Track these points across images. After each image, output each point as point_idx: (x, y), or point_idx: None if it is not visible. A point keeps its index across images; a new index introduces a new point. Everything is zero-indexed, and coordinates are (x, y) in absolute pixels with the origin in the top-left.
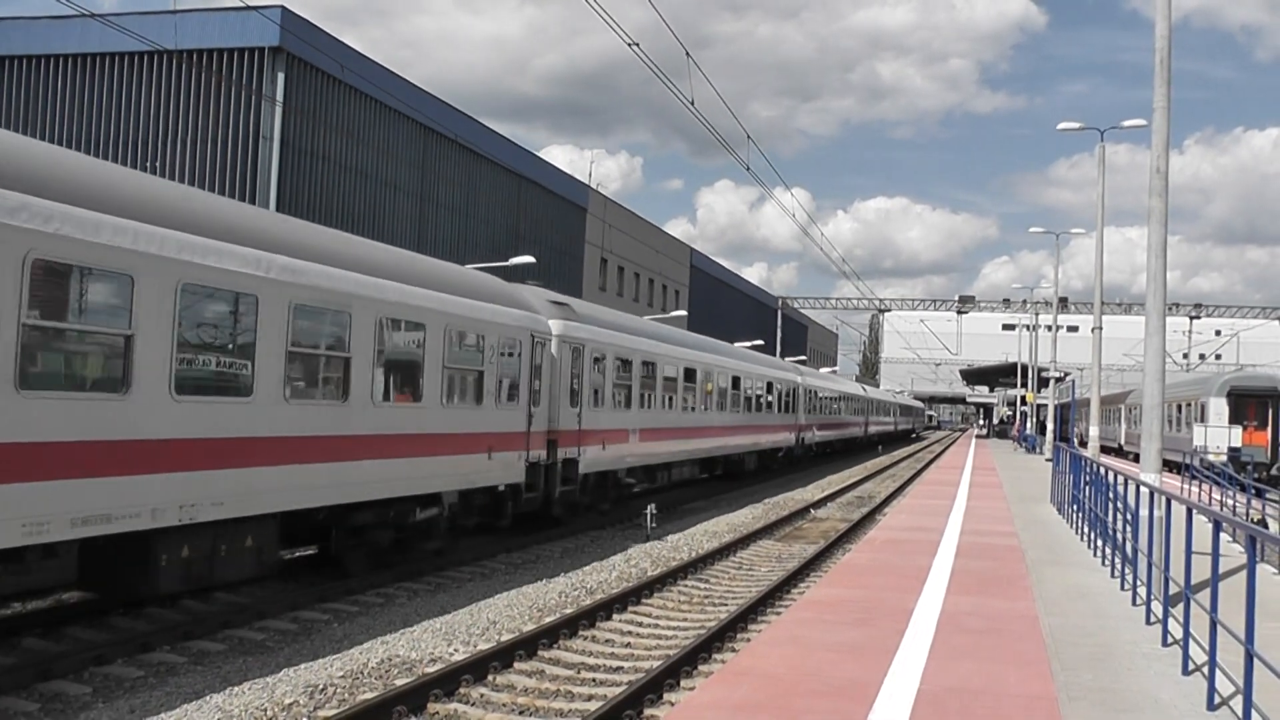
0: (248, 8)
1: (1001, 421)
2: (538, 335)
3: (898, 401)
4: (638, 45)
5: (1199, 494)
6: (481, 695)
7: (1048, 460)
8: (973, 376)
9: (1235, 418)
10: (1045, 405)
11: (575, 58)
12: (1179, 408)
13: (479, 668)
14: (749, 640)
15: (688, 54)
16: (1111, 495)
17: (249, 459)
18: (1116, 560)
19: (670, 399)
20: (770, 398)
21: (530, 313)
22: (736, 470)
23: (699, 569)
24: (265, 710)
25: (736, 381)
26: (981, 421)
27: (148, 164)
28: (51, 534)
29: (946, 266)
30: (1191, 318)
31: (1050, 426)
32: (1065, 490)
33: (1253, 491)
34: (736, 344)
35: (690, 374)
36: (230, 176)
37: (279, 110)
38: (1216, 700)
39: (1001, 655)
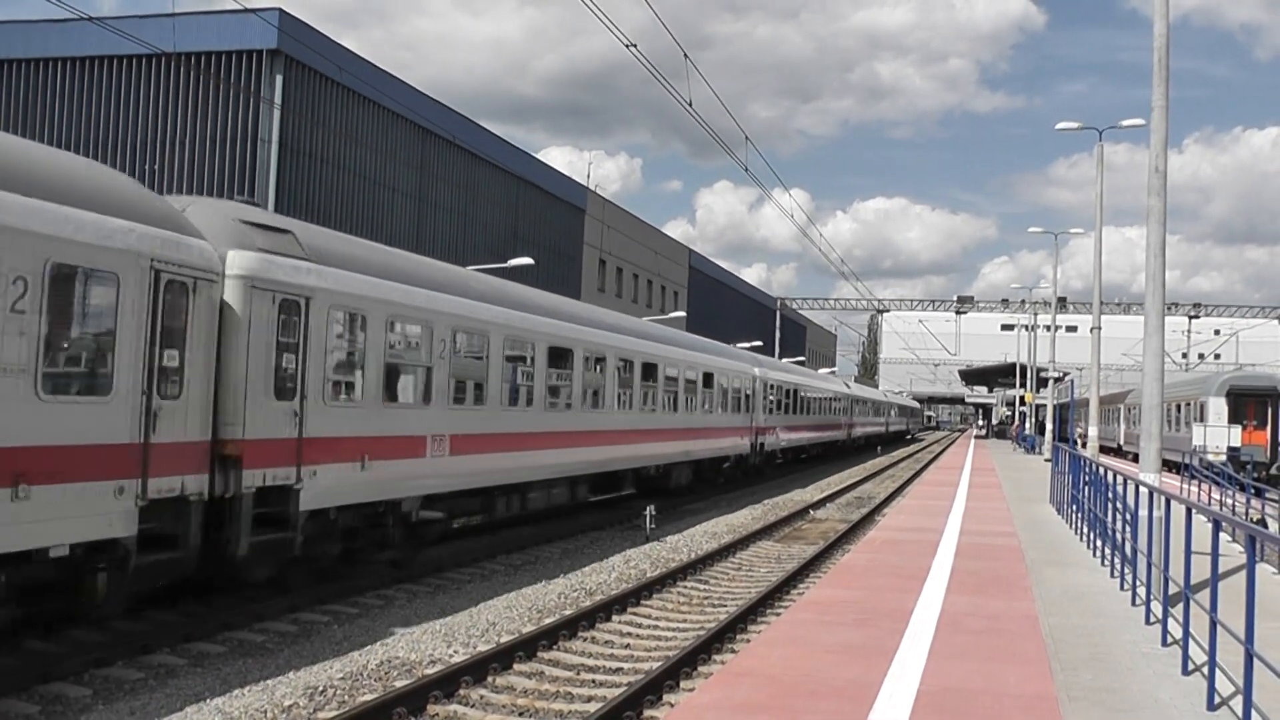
0: (246, 10)
1: (1001, 422)
2: (172, 270)
3: (890, 400)
4: (635, 46)
5: (1198, 494)
6: (481, 697)
7: (1047, 460)
8: (971, 377)
9: (1235, 417)
10: (1044, 405)
11: (575, 59)
12: (1178, 407)
13: (478, 669)
14: (749, 641)
15: (686, 55)
16: (1111, 495)
17: None
18: (1116, 560)
19: (524, 391)
20: (712, 392)
21: (151, 227)
22: (658, 486)
23: (698, 570)
24: (265, 712)
25: (651, 370)
26: (980, 422)
27: (147, 167)
28: None
29: (945, 267)
30: (1191, 317)
31: (1049, 427)
32: (1064, 490)
33: (1252, 491)
34: (736, 345)
35: (561, 355)
36: (228, 179)
37: (277, 112)
38: (1216, 700)
39: (1001, 655)
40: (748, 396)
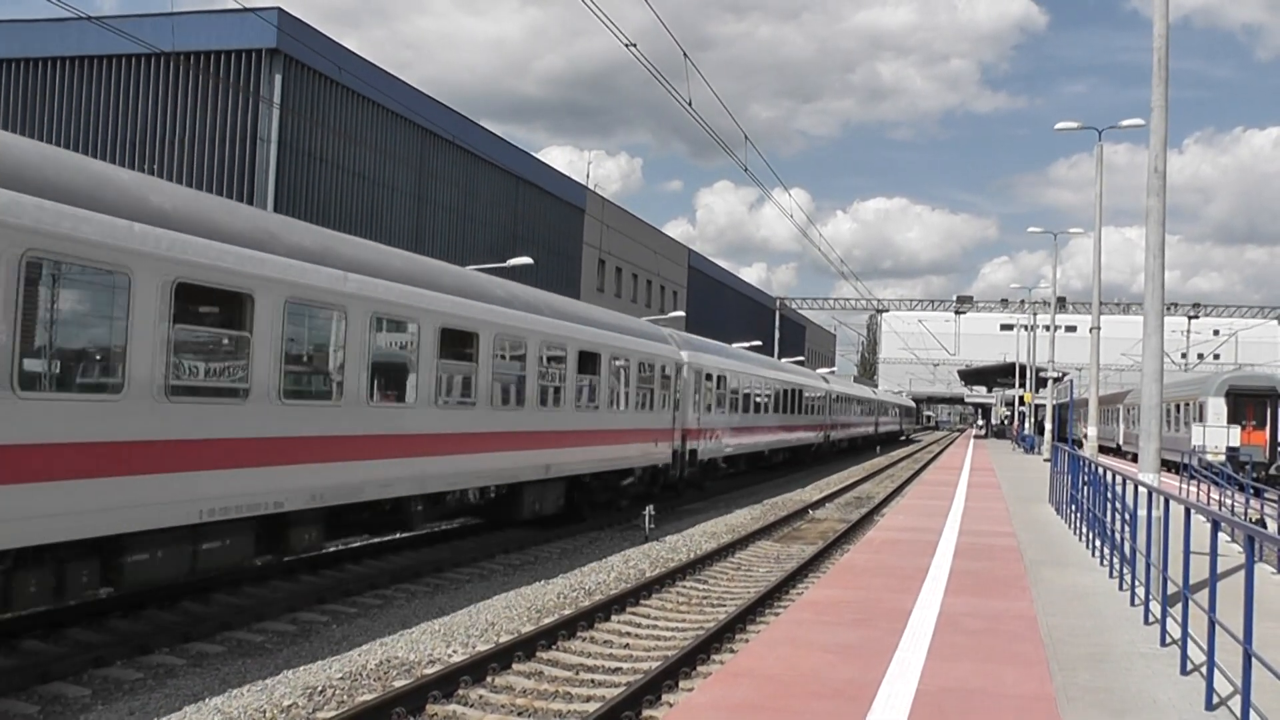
0: (245, 10)
1: (1000, 422)
2: None
3: (880, 398)
4: (635, 46)
5: (1197, 494)
6: (480, 696)
7: (1046, 460)
8: (971, 377)
9: (1234, 417)
10: (1043, 405)
11: (576, 59)
12: (1177, 407)
13: (477, 669)
14: (747, 641)
15: (685, 55)
16: (1110, 495)
17: None
18: (1115, 560)
19: (95, 365)
20: (597, 380)
21: None
22: (501, 516)
23: (697, 570)
24: (264, 712)
25: (464, 341)
26: (980, 422)
27: (146, 166)
28: None
29: (945, 267)
30: (1190, 317)
31: (1048, 427)
32: (1064, 490)
33: (1251, 491)
34: (735, 344)
35: (220, 305)
36: (227, 178)
37: (276, 112)
38: (1215, 700)
39: (1000, 656)
40: (670, 388)
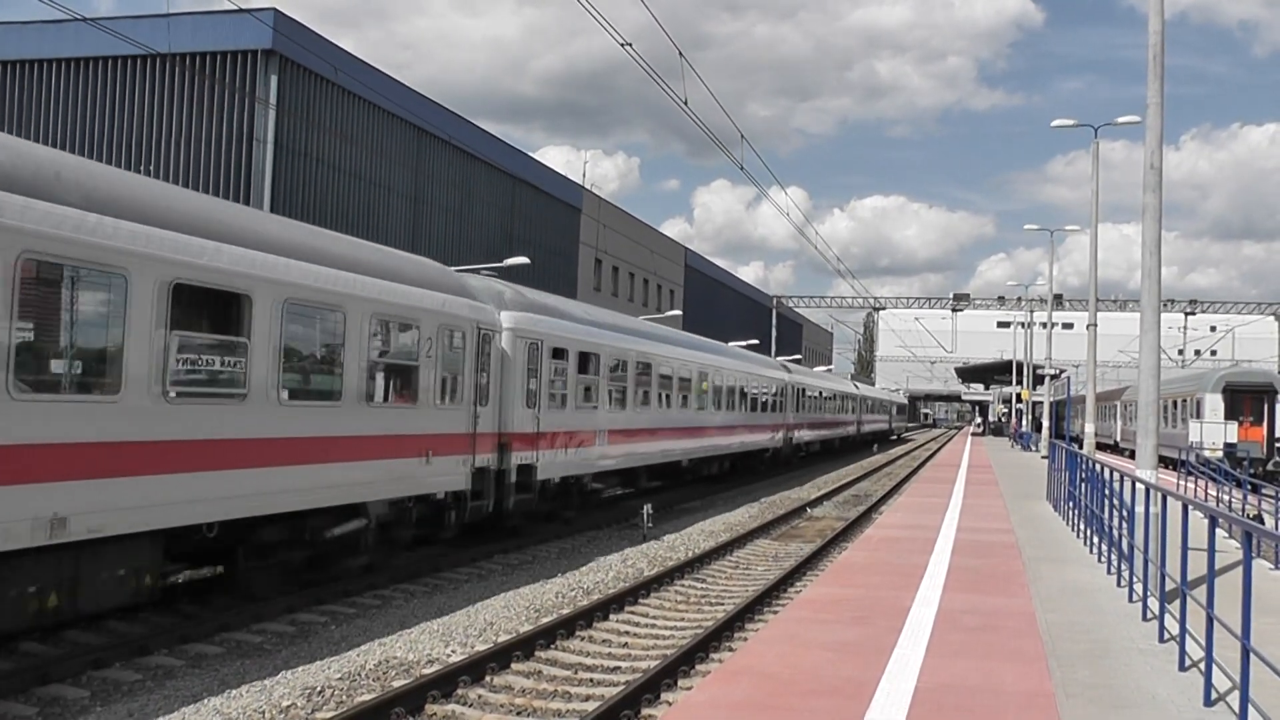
0: (240, 11)
1: (998, 419)
2: None
3: (862, 393)
4: (631, 46)
5: (1195, 490)
6: (479, 696)
7: (1044, 458)
8: (968, 374)
9: (1231, 413)
10: (1041, 402)
11: (573, 59)
12: (1175, 404)
13: (476, 669)
14: (746, 640)
15: (682, 55)
16: (1108, 492)
17: None
18: (1113, 557)
19: None
20: (246, 348)
21: None
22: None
23: (696, 569)
24: (263, 713)
25: None
26: (978, 419)
27: (142, 167)
28: None
29: (943, 264)
30: (1187, 314)
31: (1046, 424)
32: (1061, 487)
33: (1248, 487)
34: (732, 344)
35: None
36: (224, 179)
37: (272, 112)
38: (1213, 696)
39: (998, 652)
40: (468, 369)
